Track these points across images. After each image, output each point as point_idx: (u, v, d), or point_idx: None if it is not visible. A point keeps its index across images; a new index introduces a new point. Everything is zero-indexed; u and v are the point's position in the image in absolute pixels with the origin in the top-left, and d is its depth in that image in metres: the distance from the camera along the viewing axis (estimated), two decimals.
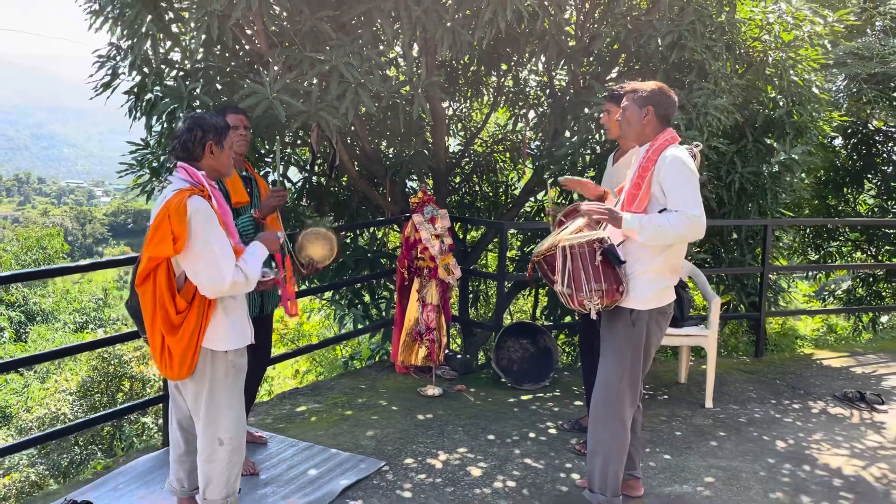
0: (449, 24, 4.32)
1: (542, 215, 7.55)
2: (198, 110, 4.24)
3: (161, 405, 4.67)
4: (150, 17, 4.29)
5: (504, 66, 6.63)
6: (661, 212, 2.92)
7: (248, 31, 4.65)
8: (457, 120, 7.63)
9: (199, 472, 2.84)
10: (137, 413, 9.19)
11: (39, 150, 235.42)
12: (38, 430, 8.88)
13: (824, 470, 3.79)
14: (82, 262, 3.91)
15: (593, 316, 2.98)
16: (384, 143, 6.54)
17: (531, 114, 7.02)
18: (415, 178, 6.29)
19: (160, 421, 8.84)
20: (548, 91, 6.68)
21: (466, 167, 7.64)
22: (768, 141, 5.93)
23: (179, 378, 2.76)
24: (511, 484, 3.54)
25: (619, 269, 2.98)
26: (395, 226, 6.29)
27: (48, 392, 10.26)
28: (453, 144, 7.49)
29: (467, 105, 7.65)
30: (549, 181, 5.07)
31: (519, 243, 7.76)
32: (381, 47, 5.04)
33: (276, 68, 4.16)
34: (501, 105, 7.16)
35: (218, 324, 2.75)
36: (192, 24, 4.10)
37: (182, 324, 2.70)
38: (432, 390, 4.82)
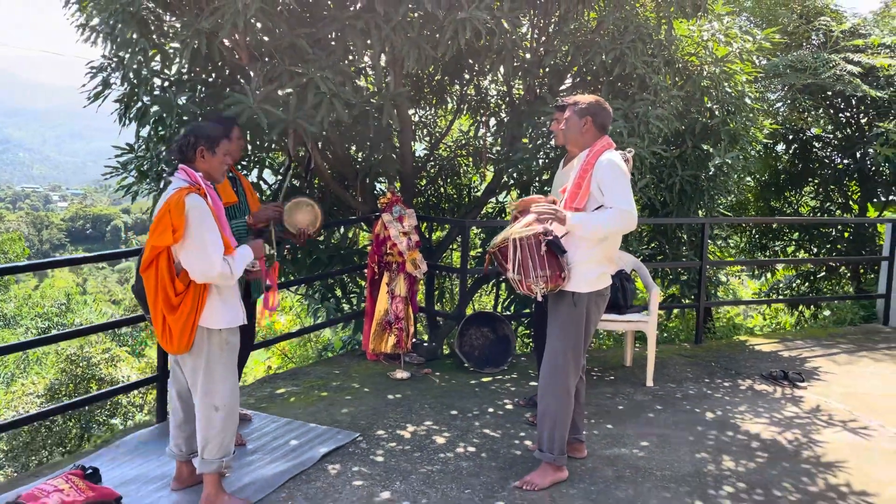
0: (415, 41, 4.77)
1: (503, 215, 8.04)
2: (185, 118, 4.63)
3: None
4: (139, 30, 4.66)
5: (467, 76, 7.10)
6: (598, 208, 3.42)
7: (229, 43, 5.04)
8: (423, 126, 8.06)
9: (197, 436, 3.24)
10: (106, 415, 9.35)
11: None
12: (3, 433, 8.71)
13: (745, 435, 4.33)
14: (84, 254, 4.25)
15: (539, 298, 3.46)
16: (354, 148, 6.94)
17: (492, 121, 7.50)
18: (383, 180, 6.72)
19: (129, 423, 9.06)
20: (507, 100, 7.18)
21: (432, 170, 8.09)
22: (706, 147, 6.52)
23: (179, 352, 3.16)
24: (471, 449, 4.00)
25: (561, 258, 3.46)
26: (366, 225, 6.70)
27: (14, 395, 10.26)
28: (419, 149, 7.93)
29: (432, 112, 8.09)
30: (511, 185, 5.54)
31: (480, 241, 8.24)
32: (353, 58, 5.46)
33: (257, 80, 4.57)
34: (464, 112, 7.62)
35: (214, 305, 3.16)
36: (180, 40, 4.48)
37: (180, 304, 3.11)
38: (401, 374, 5.27)
